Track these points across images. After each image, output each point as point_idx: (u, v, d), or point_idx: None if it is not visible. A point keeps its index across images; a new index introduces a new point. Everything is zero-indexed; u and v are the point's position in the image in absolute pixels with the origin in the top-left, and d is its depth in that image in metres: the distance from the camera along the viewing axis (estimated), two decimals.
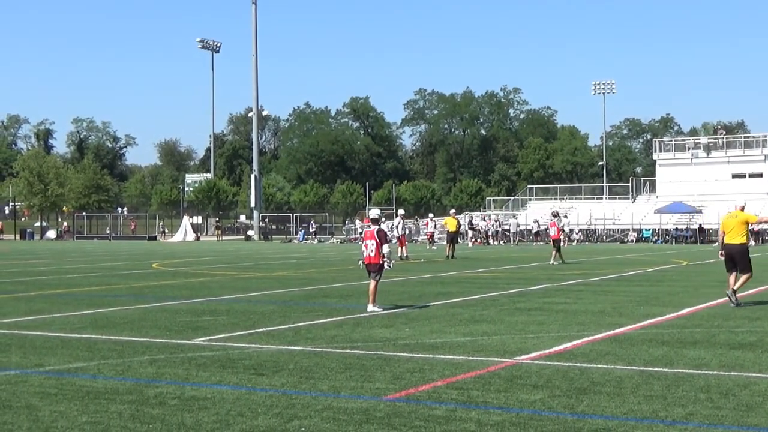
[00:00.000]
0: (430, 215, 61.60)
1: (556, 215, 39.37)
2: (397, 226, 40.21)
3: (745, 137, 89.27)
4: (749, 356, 11.77)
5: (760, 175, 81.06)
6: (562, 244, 38.00)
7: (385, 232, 17.90)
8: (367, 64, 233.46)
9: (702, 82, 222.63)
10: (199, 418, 8.28)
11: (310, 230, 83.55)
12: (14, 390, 9.61)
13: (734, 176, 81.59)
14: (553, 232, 36.49)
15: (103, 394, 9.39)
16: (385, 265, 17.44)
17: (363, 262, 17.63)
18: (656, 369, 10.81)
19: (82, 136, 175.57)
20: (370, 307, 17.22)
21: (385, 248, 17.48)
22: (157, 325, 15.22)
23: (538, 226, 71.19)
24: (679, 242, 68.23)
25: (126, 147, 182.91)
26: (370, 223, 18.36)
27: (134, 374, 10.56)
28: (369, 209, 19.16)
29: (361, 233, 18.72)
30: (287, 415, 8.38)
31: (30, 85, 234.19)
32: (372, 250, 17.38)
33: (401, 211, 42.57)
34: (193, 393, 9.44)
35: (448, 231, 41.48)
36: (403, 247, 39.07)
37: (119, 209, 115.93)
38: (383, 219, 20.17)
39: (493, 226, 69.89)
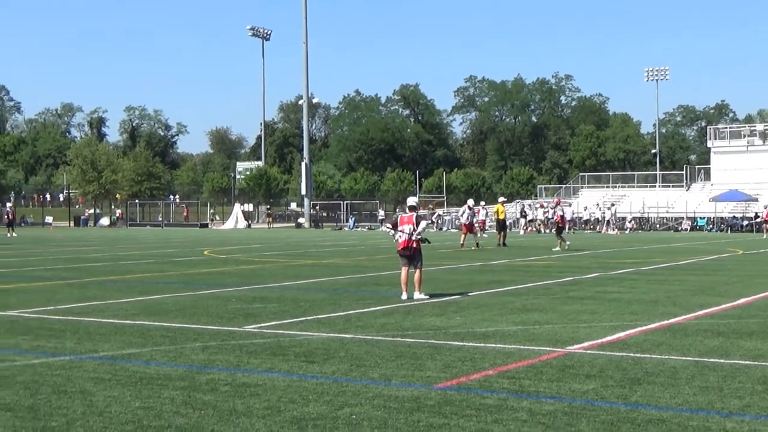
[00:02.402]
0: (482, 203, 61.40)
1: (558, 204, 40.25)
2: (462, 214, 40.66)
3: None
4: None
5: None
6: (566, 230, 39.45)
7: (422, 218, 17.85)
8: (418, 52, 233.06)
9: (758, 68, 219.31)
10: (250, 405, 8.30)
11: (379, 218, 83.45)
12: (69, 375, 9.71)
13: None
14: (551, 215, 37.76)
15: (155, 380, 9.46)
16: (416, 235, 17.34)
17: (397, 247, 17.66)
18: (711, 360, 10.66)
19: (134, 124, 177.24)
20: (416, 294, 17.18)
21: (422, 224, 17.45)
22: (209, 312, 15.31)
23: (589, 214, 70.78)
24: (734, 231, 67.33)
25: (177, 135, 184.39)
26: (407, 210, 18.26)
27: (186, 361, 10.63)
28: (408, 198, 19.11)
29: (395, 217, 18.68)
30: (338, 403, 8.37)
31: (83, 73, 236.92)
32: (409, 234, 17.33)
33: (470, 201, 42.75)
34: (244, 380, 9.47)
35: (497, 219, 41.37)
36: (465, 235, 39.24)
37: (171, 197, 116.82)
38: (421, 207, 20.14)
39: (545, 214, 69.53)
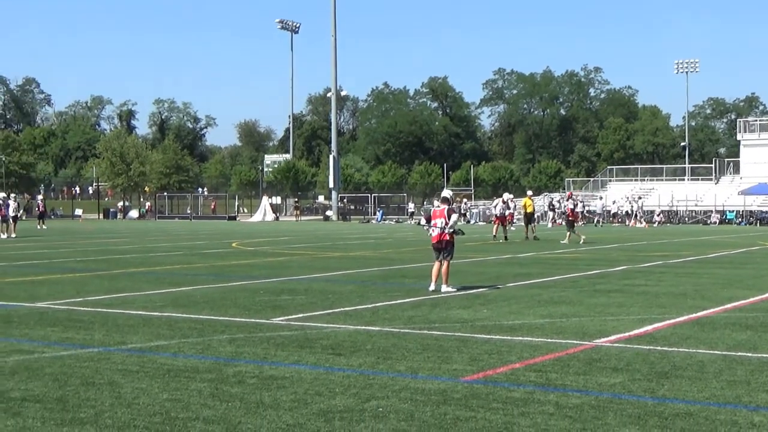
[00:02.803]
0: (510, 196, 61.25)
1: (570, 197, 40.32)
2: (496, 206, 41.00)
3: None
4: None
5: None
6: (578, 223, 39.75)
7: (455, 211, 17.88)
8: (446, 44, 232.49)
9: None
10: (277, 397, 8.34)
11: (409, 211, 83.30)
12: (97, 367, 9.78)
13: None
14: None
15: (183, 372, 9.52)
16: (448, 228, 17.39)
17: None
18: (740, 353, 10.60)
19: (163, 117, 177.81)
20: (444, 287, 17.20)
21: (453, 217, 17.48)
22: (237, 304, 15.37)
23: (618, 207, 70.48)
24: (764, 224, 66.83)
25: (206, 128, 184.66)
26: (439, 203, 18.35)
27: (214, 353, 10.68)
28: (443, 190, 19.29)
29: (430, 210, 18.90)
30: (365, 396, 8.39)
31: (113, 66, 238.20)
32: (441, 228, 17.38)
33: (506, 195, 42.96)
34: (271, 372, 9.51)
35: (525, 212, 41.37)
36: (497, 227, 39.72)
37: (199, 189, 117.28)
38: (456, 200, 20.19)
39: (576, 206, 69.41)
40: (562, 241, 36.23)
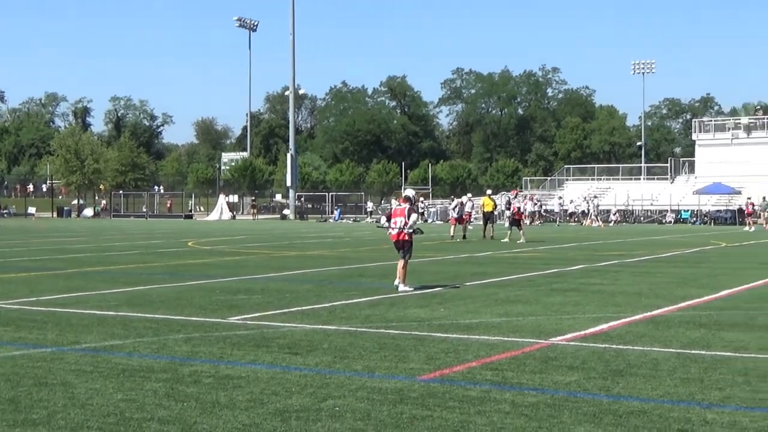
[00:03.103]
0: (468, 195, 61.46)
1: (516, 195, 40.65)
2: (454, 208, 41.28)
3: None
4: None
5: None
6: (524, 222, 40.16)
7: (415, 210, 17.93)
8: (405, 43, 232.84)
9: (743, 62, 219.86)
10: (233, 397, 8.29)
11: (368, 210, 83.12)
12: (50, 367, 9.67)
13: None
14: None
15: (138, 371, 9.44)
16: (407, 228, 17.45)
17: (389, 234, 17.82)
18: (693, 351, 10.70)
19: (119, 114, 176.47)
20: (401, 287, 17.23)
21: (413, 217, 17.52)
22: (193, 304, 15.28)
23: (574, 207, 71.04)
24: (718, 223, 67.59)
25: (163, 125, 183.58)
26: (403, 202, 18.39)
27: (169, 352, 10.61)
28: (405, 189, 19.42)
29: (391, 208, 19.11)
30: (321, 395, 8.37)
31: (68, 63, 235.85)
32: (401, 227, 17.44)
33: (465, 197, 43.45)
34: (227, 372, 9.46)
35: (484, 212, 41.54)
36: (455, 227, 40.23)
37: (156, 187, 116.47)
38: (421, 199, 20.29)
39: (531, 206, 69.82)
40: (502, 240, 36.76)
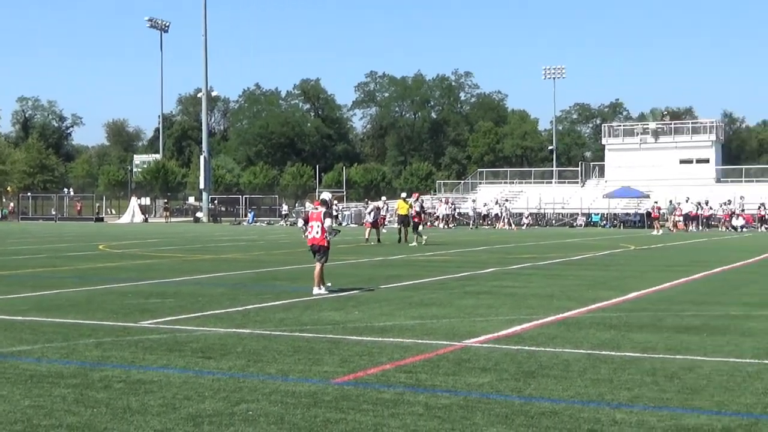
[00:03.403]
0: (383, 198, 61.65)
1: (417, 198, 41.22)
2: (370, 212, 41.51)
3: (692, 123, 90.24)
4: (694, 340, 11.89)
5: (707, 161, 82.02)
6: (421, 226, 40.20)
7: (330, 215, 17.92)
8: (318, 46, 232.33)
9: (651, 68, 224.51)
10: (145, 402, 8.19)
11: (283, 213, 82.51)
12: None
13: (681, 162, 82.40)
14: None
15: (47, 377, 9.26)
16: (326, 235, 17.49)
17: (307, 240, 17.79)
18: (603, 352, 10.88)
19: (27, 115, 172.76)
20: (315, 290, 17.21)
21: (327, 221, 17.51)
22: (104, 308, 15.05)
23: (487, 210, 71.80)
24: (627, 226, 68.84)
25: (73, 127, 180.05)
26: (319, 206, 18.38)
27: (79, 357, 10.43)
28: (320, 192, 19.46)
29: (307, 211, 19.19)
30: (235, 399, 8.32)
31: None
32: (317, 232, 17.43)
33: (380, 202, 43.78)
34: (139, 376, 9.34)
35: (398, 215, 41.66)
36: (369, 230, 40.41)
37: (65, 190, 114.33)
38: (335, 202, 20.32)
39: (446, 209, 70.36)
40: (410, 244, 37.05)
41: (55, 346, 11.20)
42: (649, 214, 64.81)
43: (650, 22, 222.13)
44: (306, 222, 17.95)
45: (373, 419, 7.63)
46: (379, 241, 39.18)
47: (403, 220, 41.03)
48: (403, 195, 44.99)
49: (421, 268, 24.42)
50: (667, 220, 60.94)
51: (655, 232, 55.08)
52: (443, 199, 74.75)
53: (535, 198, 78.20)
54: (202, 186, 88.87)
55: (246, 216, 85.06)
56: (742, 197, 67.63)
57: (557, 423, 7.55)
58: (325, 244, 17.51)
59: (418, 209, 39.14)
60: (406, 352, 10.87)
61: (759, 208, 65.33)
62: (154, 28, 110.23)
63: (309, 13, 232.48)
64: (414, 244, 36.97)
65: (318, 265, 17.42)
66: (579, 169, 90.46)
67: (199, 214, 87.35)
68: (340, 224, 68.93)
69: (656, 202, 62.31)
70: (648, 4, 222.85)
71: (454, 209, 72.42)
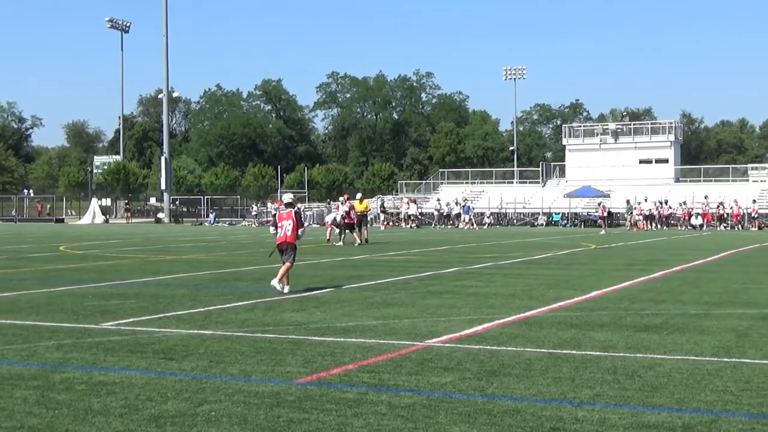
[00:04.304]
0: (342, 198, 61.59)
1: (347, 200, 41.16)
2: (343, 216, 41.64)
3: (651, 124, 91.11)
4: (654, 338, 12.00)
5: (666, 161, 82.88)
6: (362, 227, 40.32)
7: (301, 215, 18.00)
8: (280, 47, 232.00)
9: (610, 69, 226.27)
10: (107, 403, 8.15)
11: (252, 213, 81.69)
12: None
13: (641, 162, 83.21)
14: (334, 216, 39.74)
15: (6, 379, 9.19)
16: (300, 234, 17.64)
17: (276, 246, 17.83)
18: (565, 351, 10.96)
19: None
20: (275, 282, 17.23)
21: (300, 231, 17.65)
22: (64, 310, 14.94)
23: (449, 210, 72.02)
24: (587, 226, 69.30)
25: (32, 128, 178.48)
26: (283, 206, 18.43)
27: (40, 359, 10.35)
28: (282, 193, 19.49)
29: (274, 215, 19.22)
30: (197, 400, 8.29)
31: None
32: (288, 230, 17.47)
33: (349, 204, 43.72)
34: (100, 378, 9.28)
35: (356, 214, 41.59)
36: (330, 230, 40.44)
37: (25, 191, 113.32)
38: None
39: (410, 209, 70.52)
40: (355, 244, 37.35)
41: (15, 348, 11.11)
42: (611, 213, 65.30)
43: (610, 23, 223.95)
44: (275, 226, 17.96)
45: (337, 419, 7.64)
46: (367, 241, 39.30)
47: (360, 220, 41.05)
48: (359, 195, 45.03)
49: (384, 268, 24.44)
50: (626, 220, 61.49)
51: (602, 232, 55.44)
52: (411, 199, 74.85)
53: (497, 198, 78.55)
54: (163, 187, 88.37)
55: (207, 217, 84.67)
56: (706, 197, 68.38)
57: (520, 421, 7.60)
58: (294, 243, 17.59)
59: (347, 210, 38.99)
60: (369, 352, 10.89)
61: (718, 207, 66.03)
62: (114, 29, 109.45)
63: (270, 13, 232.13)
64: (340, 244, 37.28)
65: (287, 264, 17.43)
66: (540, 169, 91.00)
67: (160, 215, 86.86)
68: (307, 226, 68.87)
69: (600, 203, 63.53)
70: (608, 5, 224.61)
71: (418, 209, 72.56)
